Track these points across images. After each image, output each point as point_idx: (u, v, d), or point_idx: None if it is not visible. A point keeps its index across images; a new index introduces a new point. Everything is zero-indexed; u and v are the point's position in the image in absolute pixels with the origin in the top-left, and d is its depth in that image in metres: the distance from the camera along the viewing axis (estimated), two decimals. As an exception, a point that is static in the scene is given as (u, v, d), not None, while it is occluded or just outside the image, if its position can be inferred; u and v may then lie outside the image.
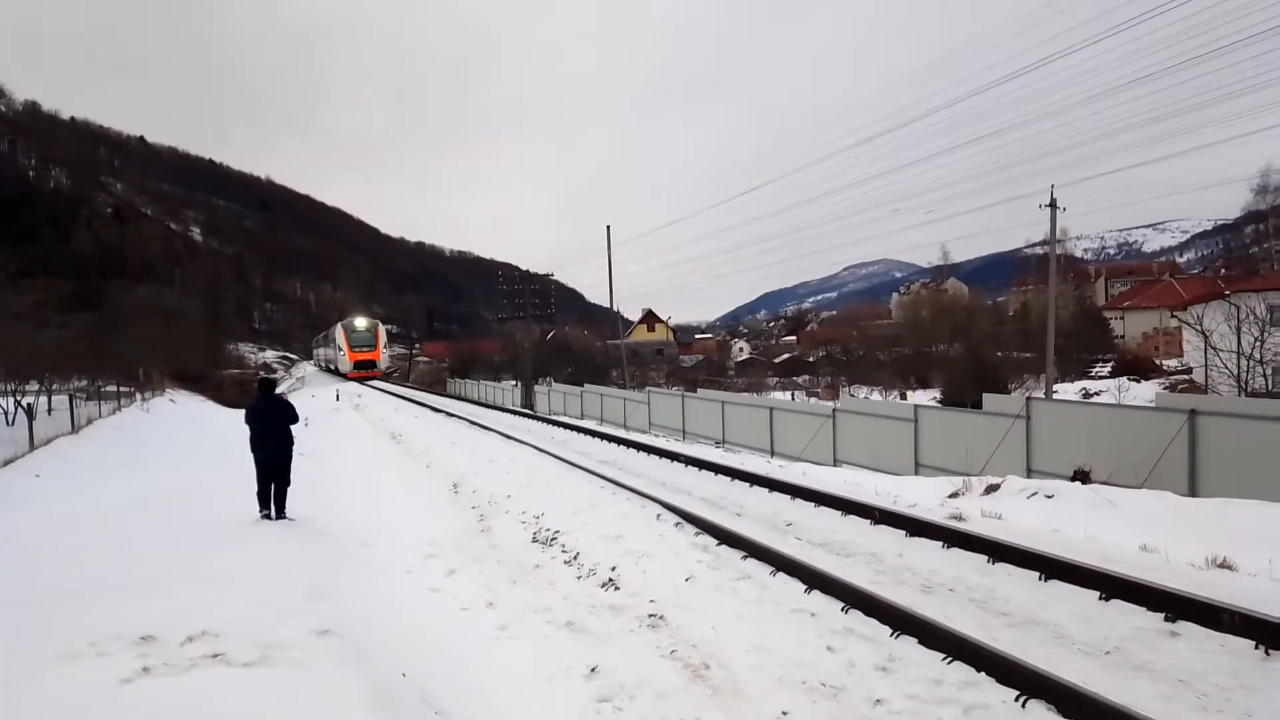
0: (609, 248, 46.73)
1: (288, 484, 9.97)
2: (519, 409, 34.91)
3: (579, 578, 7.39)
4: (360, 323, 59.29)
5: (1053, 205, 30.40)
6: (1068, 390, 39.02)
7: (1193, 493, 11.30)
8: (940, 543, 7.66)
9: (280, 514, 9.82)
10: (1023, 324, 59.83)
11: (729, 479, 12.28)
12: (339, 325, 60.81)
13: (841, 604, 5.93)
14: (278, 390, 11.60)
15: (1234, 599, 5.37)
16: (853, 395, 46.72)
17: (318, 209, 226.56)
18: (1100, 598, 5.90)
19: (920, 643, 5.14)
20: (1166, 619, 5.41)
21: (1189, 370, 36.34)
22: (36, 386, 23.03)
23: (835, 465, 17.91)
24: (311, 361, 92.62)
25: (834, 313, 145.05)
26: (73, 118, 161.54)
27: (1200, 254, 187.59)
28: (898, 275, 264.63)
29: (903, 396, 44.66)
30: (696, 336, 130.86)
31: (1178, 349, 44.74)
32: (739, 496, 10.93)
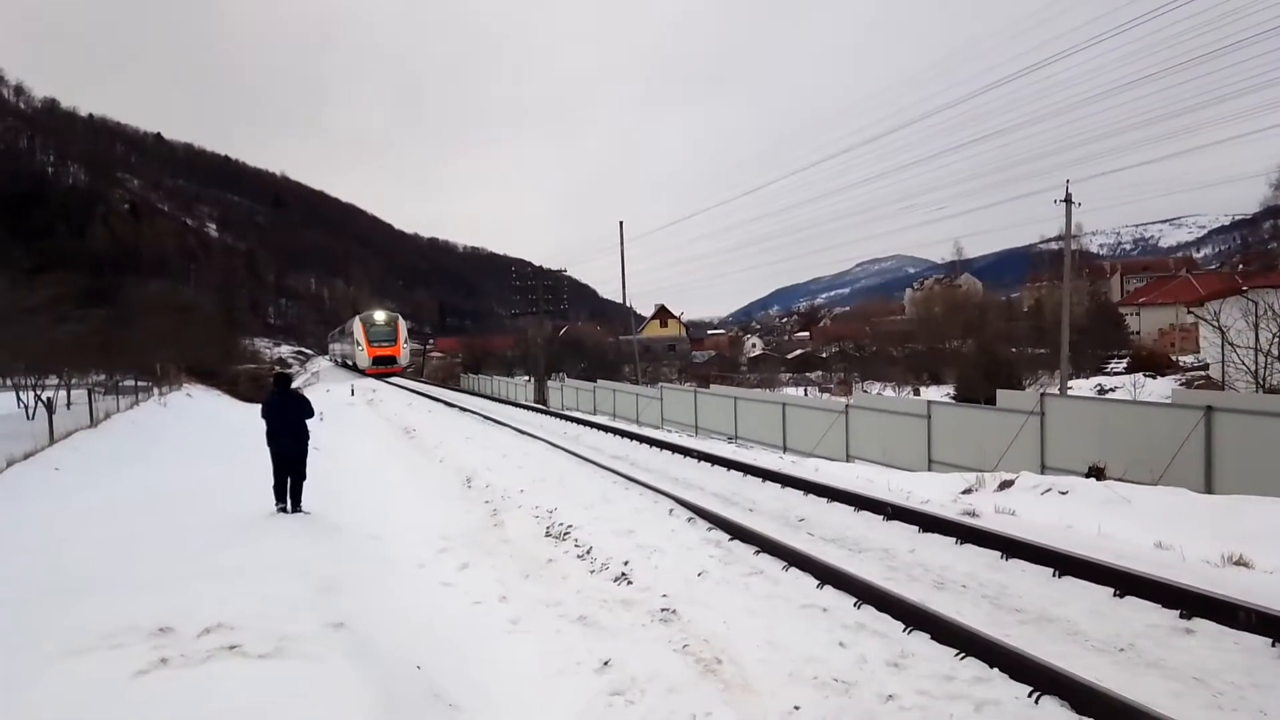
0: (621, 243, 46.62)
1: (303, 478, 10.05)
2: (531, 404, 34.96)
3: (591, 572, 7.42)
4: (379, 316, 56.65)
5: (1068, 200, 30.13)
6: (1082, 386, 38.71)
7: (1208, 490, 11.20)
8: (953, 539, 7.63)
9: (296, 508, 9.90)
10: (1036, 320, 59.34)
11: (741, 474, 12.27)
12: (356, 318, 58.35)
13: (853, 600, 5.93)
14: (293, 385, 11.68)
15: (1250, 596, 5.32)
16: (865, 391, 46.62)
17: (330, 204, 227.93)
18: (1114, 594, 5.87)
19: (932, 639, 5.14)
20: (1181, 616, 5.37)
21: (1205, 366, 35.94)
22: (56, 381, 23.30)
23: (848, 461, 17.85)
24: (326, 357, 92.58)
25: (847, 309, 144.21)
26: (90, 115, 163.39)
27: (1217, 249, 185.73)
28: (911, 271, 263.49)
29: (916, 393, 44.44)
30: (709, 332, 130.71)
31: (1194, 345, 44.27)
32: (751, 492, 10.93)
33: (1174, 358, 47.14)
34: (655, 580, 6.83)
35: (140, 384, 29.37)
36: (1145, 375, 39.63)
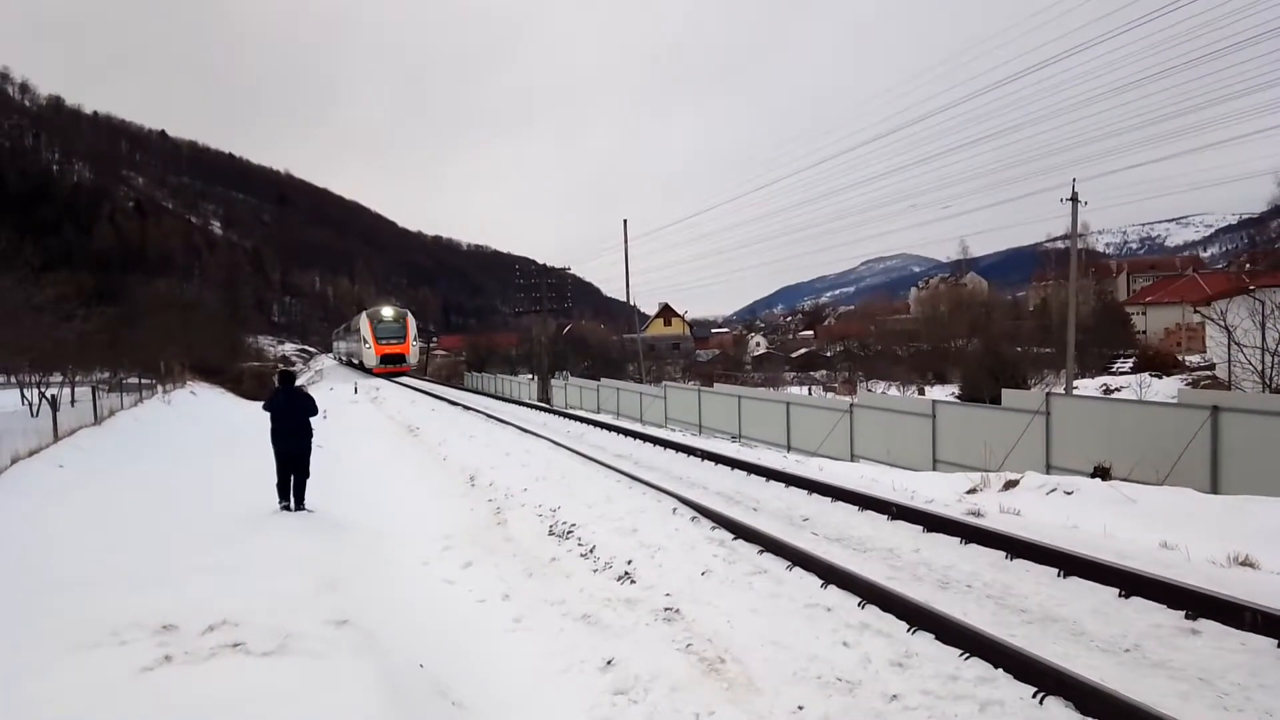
0: (625, 242, 46.61)
1: (307, 475, 10.06)
2: (535, 403, 34.99)
3: (594, 571, 7.42)
4: (387, 312, 54.08)
5: (1074, 199, 30.03)
6: (1088, 386, 38.63)
7: (1214, 490, 11.16)
8: (957, 538, 7.61)
9: (299, 505, 9.92)
10: (1042, 319, 59.22)
11: (745, 473, 12.25)
12: (363, 315, 55.70)
13: (857, 599, 5.91)
14: (296, 383, 11.70)
15: (1256, 597, 5.29)
16: (870, 390, 46.54)
17: (334, 202, 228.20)
18: (1119, 595, 5.84)
19: (937, 638, 5.12)
20: (1186, 617, 5.35)
21: (1212, 366, 35.82)
22: (60, 378, 23.36)
23: (852, 460, 17.83)
24: (330, 355, 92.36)
25: (851, 307, 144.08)
26: (95, 112, 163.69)
27: (1224, 248, 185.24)
28: (916, 270, 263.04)
29: (920, 392, 44.35)
30: (713, 331, 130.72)
31: (1200, 345, 44.15)
32: (755, 491, 10.91)
33: (1180, 357, 47.00)
34: (659, 579, 6.82)
35: (144, 381, 29.43)
36: (1151, 375, 39.52)
